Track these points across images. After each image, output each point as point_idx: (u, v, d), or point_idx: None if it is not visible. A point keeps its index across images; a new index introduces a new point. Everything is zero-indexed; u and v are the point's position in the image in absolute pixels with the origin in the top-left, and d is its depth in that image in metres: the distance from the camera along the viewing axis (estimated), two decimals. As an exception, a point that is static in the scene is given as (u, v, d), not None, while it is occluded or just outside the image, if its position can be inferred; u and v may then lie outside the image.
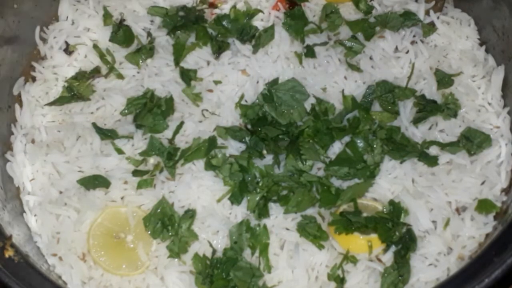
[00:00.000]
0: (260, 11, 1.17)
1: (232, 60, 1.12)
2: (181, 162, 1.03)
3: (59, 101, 1.12)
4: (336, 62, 1.11)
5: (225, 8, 1.19)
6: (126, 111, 1.08)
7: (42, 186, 1.05)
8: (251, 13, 1.17)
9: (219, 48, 1.13)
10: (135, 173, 1.03)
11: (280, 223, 1.00)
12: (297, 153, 1.02)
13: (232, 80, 1.11)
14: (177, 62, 1.12)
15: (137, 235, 0.99)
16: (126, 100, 1.08)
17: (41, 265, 0.94)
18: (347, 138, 1.04)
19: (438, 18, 1.17)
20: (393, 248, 0.96)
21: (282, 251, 0.98)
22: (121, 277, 0.98)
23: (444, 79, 1.10)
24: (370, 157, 1.02)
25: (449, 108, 1.07)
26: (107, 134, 1.06)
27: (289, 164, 1.02)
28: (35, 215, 1.03)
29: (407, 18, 1.15)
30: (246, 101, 1.09)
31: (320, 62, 1.12)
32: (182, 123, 1.06)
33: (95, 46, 1.15)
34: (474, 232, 0.98)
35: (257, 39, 1.13)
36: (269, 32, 1.13)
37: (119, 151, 1.05)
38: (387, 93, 1.08)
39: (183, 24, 1.15)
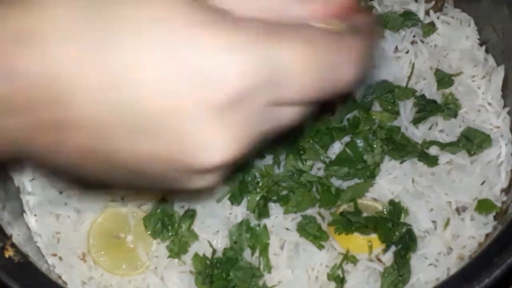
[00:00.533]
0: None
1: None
2: (181, 162, 1.03)
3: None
4: (336, 62, 1.11)
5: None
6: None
7: (42, 186, 1.05)
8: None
9: None
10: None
11: (280, 223, 0.99)
12: (297, 153, 1.02)
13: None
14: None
15: (137, 235, 0.99)
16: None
17: (41, 265, 0.94)
18: (347, 138, 1.04)
19: (438, 18, 1.17)
20: (393, 248, 0.96)
21: (282, 251, 0.98)
22: (121, 277, 0.98)
23: (444, 79, 1.10)
24: (370, 157, 1.02)
25: (449, 108, 1.07)
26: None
27: (289, 164, 1.02)
28: (35, 215, 1.03)
29: (407, 18, 1.15)
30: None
31: (320, 62, 1.11)
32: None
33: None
34: (474, 232, 0.98)
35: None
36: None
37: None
38: (387, 93, 1.08)
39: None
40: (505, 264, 0.85)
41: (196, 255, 0.97)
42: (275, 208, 1.00)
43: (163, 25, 0.46)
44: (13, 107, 0.47)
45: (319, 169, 1.03)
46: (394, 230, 0.96)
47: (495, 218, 1.00)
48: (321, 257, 0.97)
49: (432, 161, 1.03)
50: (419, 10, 1.17)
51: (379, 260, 0.97)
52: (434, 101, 1.08)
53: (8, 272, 0.88)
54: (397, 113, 1.07)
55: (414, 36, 1.15)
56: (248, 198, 1.00)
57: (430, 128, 1.07)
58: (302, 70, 0.48)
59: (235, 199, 1.00)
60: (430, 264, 0.97)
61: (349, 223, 0.96)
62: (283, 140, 1.04)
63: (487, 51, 1.14)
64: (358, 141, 1.03)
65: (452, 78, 1.10)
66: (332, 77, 0.51)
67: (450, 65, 1.13)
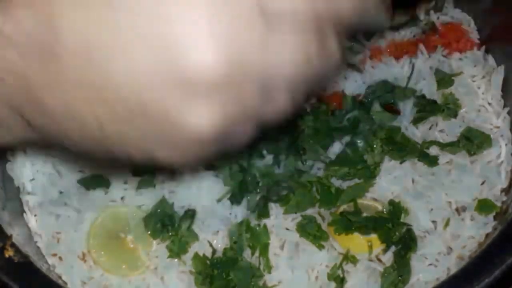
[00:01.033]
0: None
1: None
2: (181, 162, 1.03)
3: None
4: (336, 62, 1.11)
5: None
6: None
7: (42, 186, 1.05)
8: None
9: None
10: (135, 172, 1.03)
11: (280, 223, 0.99)
12: (297, 153, 1.02)
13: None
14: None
15: (137, 235, 0.99)
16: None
17: (41, 265, 0.94)
18: (347, 138, 1.04)
19: (438, 18, 1.17)
20: (393, 248, 0.96)
21: (282, 251, 0.98)
22: (121, 277, 0.98)
23: (444, 79, 1.10)
24: (370, 157, 1.02)
25: (449, 108, 1.07)
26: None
27: (289, 164, 1.02)
28: (35, 215, 1.03)
29: (407, 18, 1.15)
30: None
31: (320, 62, 1.11)
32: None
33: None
34: (474, 232, 0.98)
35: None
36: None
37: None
38: (387, 93, 1.08)
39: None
40: (505, 264, 0.85)
41: (196, 255, 0.97)
42: (275, 208, 1.00)
43: None
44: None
45: (319, 169, 1.03)
46: (394, 230, 0.96)
47: (495, 218, 1.00)
48: (321, 257, 0.97)
49: (432, 161, 1.03)
50: (419, 10, 1.17)
51: (379, 260, 0.97)
52: (434, 101, 1.08)
53: (8, 272, 0.88)
54: (397, 113, 1.07)
55: (414, 36, 1.15)
56: (248, 198, 1.00)
57: (430, 128, 1.07)
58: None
59: (235, 199, 1.00)
60: (430, 264, 0.97)
61: (349, 223, 0.96)
62: (283, 140, 1.04)
63: (487, 51, 1.14)
64: (358, 141, 1.03)
65: (452, 78, 1.10)
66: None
67: (450, 65, 1.13)
